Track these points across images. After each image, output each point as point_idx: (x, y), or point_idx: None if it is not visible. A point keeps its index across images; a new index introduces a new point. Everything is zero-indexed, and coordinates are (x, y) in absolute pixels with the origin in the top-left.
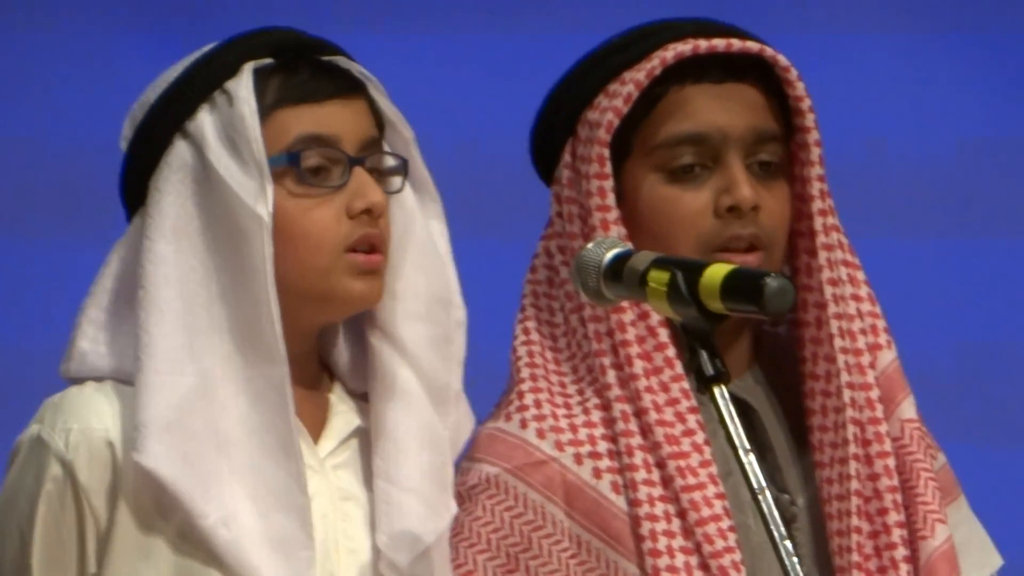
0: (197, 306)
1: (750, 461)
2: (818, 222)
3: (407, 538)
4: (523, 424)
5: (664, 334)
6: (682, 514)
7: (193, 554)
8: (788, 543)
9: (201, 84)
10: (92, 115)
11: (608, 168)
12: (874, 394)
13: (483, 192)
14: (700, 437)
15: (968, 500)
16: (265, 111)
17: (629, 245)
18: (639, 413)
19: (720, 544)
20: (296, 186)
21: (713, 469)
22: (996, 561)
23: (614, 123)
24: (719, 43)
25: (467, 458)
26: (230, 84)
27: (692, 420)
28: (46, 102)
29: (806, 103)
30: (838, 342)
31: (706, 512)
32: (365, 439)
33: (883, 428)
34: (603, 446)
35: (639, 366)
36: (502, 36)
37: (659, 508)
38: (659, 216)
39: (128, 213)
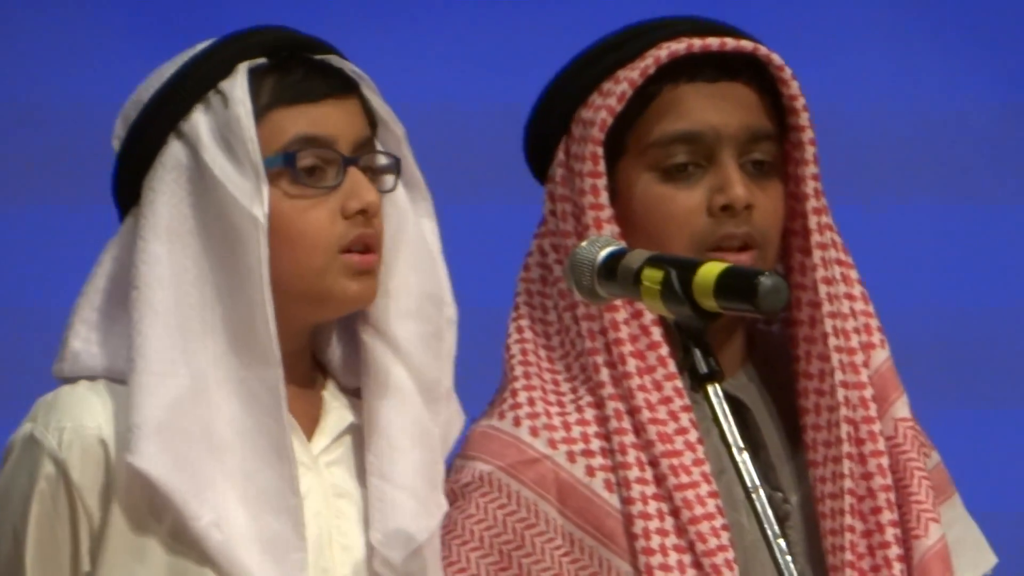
0: (190, 307)
1: (743, 459)
2: (812, 221)
3: (401, 535)
4: (516, 422)
5: (657, 332)
6: (675, 512)
7: (186, 554)
8: (781, 541)
9: (195, 84)
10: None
11: (602, 166)
12: (868, 393)
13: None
14: (693, 435)
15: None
16: (260, 112)
17: (623, 244)
18: (632, 411)
19: (713, 542)
20: (291, 187)
21: (706, 467)
22: (990, 560)
23: (608, 121)
24: (713, 42)
25: (460, 456)
26: (224, 84)
27: (685, 418)
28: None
29: (800, 102)
30: (832, 341)
31: (699, 510)
32: (358, 436)
33: (876, 427)
34: (596, 444)
35: (632, 364)
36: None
37: (652, 506)
38: (653, 215)
39: (120, 212)
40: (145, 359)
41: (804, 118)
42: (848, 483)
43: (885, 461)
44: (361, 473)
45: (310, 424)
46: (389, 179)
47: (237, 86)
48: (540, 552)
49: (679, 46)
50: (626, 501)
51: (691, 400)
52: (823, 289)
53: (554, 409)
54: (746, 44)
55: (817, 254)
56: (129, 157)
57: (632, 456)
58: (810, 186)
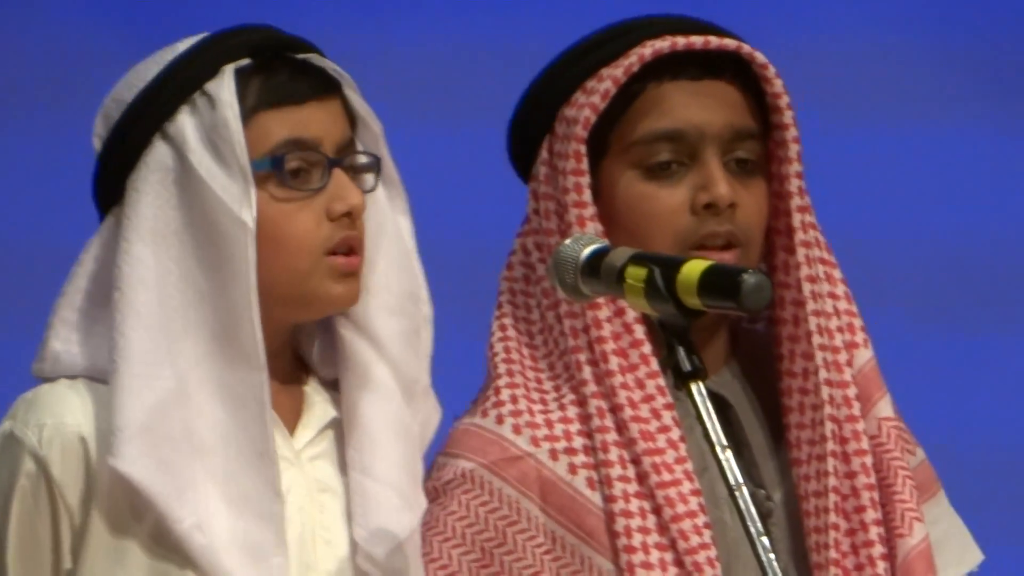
0: (174, 309)
1: (727, 457)
2: (796, 219)
3: (384, 532)
4: (499, 420)
5: (640, 331)
6: (657, 510)
7: (168, 557)
8: (764, 539)
9: (180, 85)
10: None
11: (585, 164)
12: (851, 392)
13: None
14: (676, 433)
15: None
16: (246, 114)
17: (606, 242)
18: (614, 409)
19: (695, 540)
20: (278, 190)
21: (688, 465)
22: (976, 556)
23: (591, 119)
24: (697, 40)
25: (443, 453)
26: (211, 86)
27: (667, 416)
28: None
29: (784, 100)
30: (816, 339)
31: (681, 508)
32: (341, 430)
33: (860, 426)
34: (579, 442)
35: (614, 362)
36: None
37: (634, 504)
38: (636, 213)
39: (101, 211)
40: (127, 361)
41: (788, 116)
42: (832, 481)
43: (869, 460)
44: (344, 467)
45: (292, 418)
46: (370, 178)
47: (224, 88)
48: (522, 550)
49: (663, 44)
50: (608, 499)
51: (674, 398)
52: (807, 287)
53: (537, 407)
54: (729, 42)
55: (801, 252)
56: (112, 157)
57: (614, 454)
58: (794, 184)
